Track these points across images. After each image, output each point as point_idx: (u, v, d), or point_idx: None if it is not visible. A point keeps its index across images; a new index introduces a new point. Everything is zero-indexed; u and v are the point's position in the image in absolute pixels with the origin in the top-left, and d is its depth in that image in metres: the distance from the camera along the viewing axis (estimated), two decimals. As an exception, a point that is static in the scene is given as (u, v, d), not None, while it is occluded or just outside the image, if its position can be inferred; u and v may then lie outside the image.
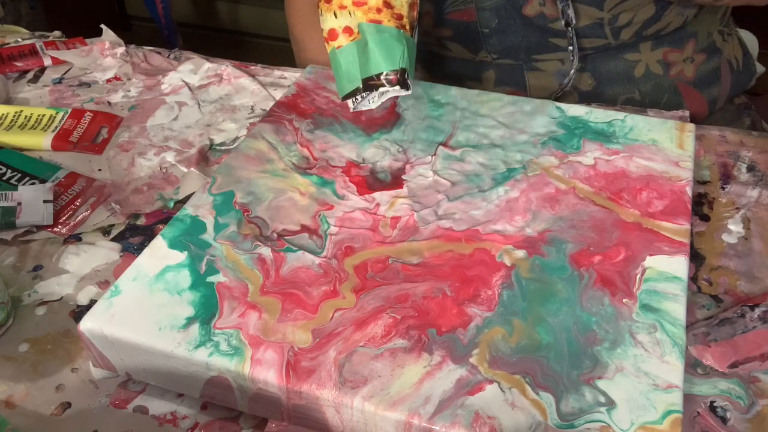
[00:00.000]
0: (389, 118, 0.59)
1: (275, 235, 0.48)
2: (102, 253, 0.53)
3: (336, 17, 0.55)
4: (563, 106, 0.59)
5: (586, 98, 0.71)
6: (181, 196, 0.57)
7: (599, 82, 0.71)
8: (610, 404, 0.38)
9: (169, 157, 0.62)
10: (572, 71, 0.68)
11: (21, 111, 0.66)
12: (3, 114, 0.66)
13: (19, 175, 0.59)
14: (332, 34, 0.56)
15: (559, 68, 0.70)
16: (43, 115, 0.66)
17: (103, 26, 0.78)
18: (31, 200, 0.55)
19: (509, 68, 0.72)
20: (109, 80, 0.72)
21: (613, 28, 0.66)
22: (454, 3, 0.69)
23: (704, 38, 0.72)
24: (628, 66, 0.70)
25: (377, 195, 0.51)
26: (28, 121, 0.65)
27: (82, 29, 0.81)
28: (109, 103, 0.69)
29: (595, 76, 0.70)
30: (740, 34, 0.79)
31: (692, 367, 0.44)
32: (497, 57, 0.71)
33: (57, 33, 0.79)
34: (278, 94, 0.68)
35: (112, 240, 0.54)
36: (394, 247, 0.47)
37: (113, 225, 0.55)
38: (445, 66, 0.76)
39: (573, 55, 0.67)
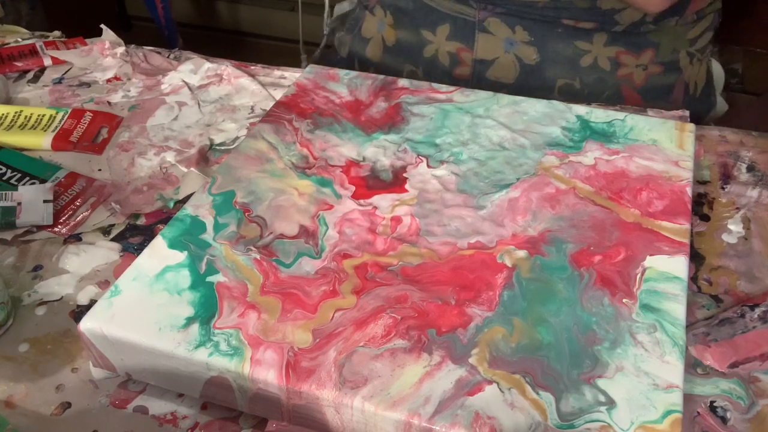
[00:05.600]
0: (389, 118, 0.59)
1: (271, 238, 0.48)
2: (102, 253, 0.53)
3: None
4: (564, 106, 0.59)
5: (525, 72, 0.70)
6: (181, 196, 0.57)
7: (543, 59, 0.70)
8: (610, 404, 0.38)
9: (169, 157, 0.62)
10: None
11: (21, 111, 0.66)
12: (3, 114, 0.66)
13: (19, 175, 0.59)
14: None
15: (508, 36, 0.69)
16: (43, 115, 0.66)
17: (103, 26, 0.78)
18: (31, 200, 0.55)
19: (463, 24, 0.71)
20: (109, 80, 0.72)
21: None
22: None
23: (667, 52, 0.71)
24: (576, 53, 0.69)
25: (377, 195, 0.51)
26: (28, 121, 0.65)
27: (82, 29, 0.81)
28: (109, 103, 0.69)
29: (540, 51, 0.70)
30: (711, 65, 0.78)
31: (692, 367, 0.44)
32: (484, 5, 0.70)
33: (57, 33, 0.79)
34: (278, 94, 0.68)
35: (112, 240, 0.54)
36: (394, 248, 0.47)
37: (113, 225, 0.55)
38: (414, 16, 0.75)
39: None
